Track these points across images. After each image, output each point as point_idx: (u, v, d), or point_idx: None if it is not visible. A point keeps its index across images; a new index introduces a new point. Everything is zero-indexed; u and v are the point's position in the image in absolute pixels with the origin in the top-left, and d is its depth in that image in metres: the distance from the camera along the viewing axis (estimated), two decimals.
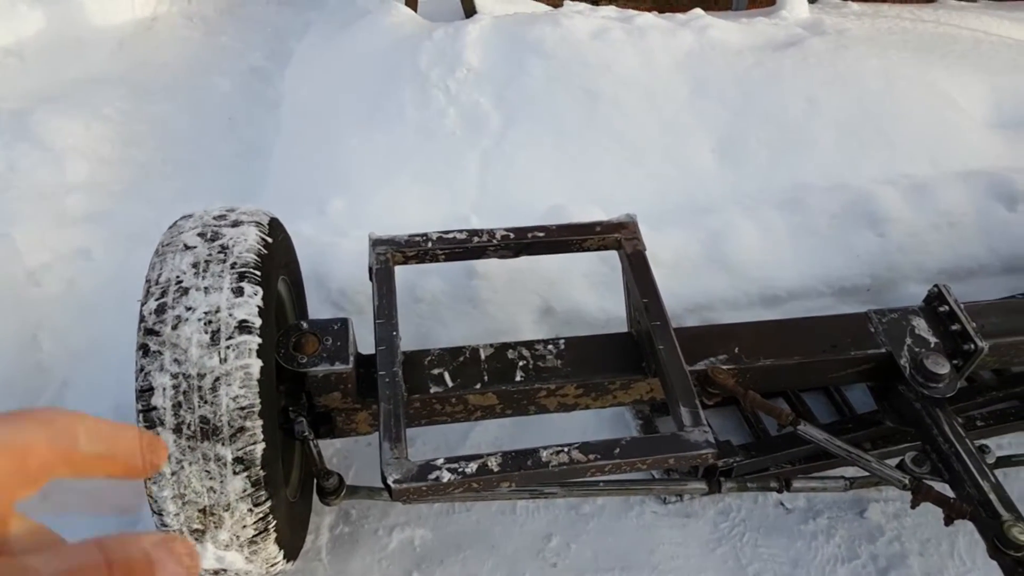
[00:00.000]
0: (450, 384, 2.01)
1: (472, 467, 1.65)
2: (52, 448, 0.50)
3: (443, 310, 2.71)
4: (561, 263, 2.72)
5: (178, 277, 1.70)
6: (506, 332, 2.69)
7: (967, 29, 4.35)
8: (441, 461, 1.65)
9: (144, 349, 1.62)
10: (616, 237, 2.19)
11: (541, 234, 2.17)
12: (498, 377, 2.02)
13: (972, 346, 2.11)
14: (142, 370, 1.61)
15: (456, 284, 2.72)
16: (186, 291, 1.67)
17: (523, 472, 1.66)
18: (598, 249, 2.23)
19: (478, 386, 2.01)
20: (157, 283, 1.70)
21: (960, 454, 2.01)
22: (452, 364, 2.04)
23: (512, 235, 2.16)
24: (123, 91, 4.12)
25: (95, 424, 0.53)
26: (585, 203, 2.91)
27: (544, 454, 1.67)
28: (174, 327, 1.63)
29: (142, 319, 1.65)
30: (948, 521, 1.95)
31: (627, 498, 2.40)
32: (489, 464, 1.66)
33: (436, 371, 2.03)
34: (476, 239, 2.15)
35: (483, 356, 2.06)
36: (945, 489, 2.01)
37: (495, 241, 2.15)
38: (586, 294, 2.78)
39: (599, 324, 2.73)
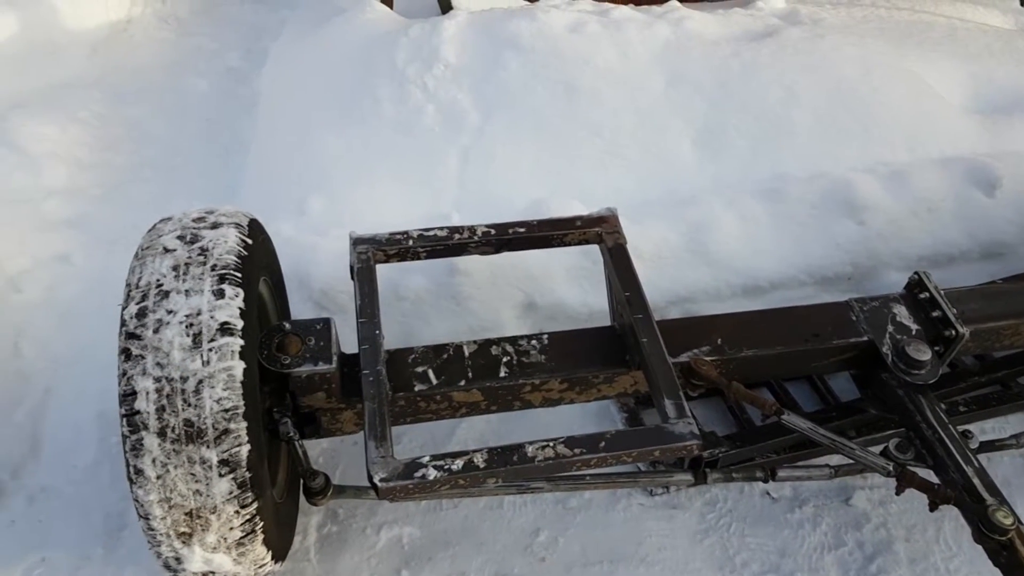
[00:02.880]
0: (434, 382, 2.01)
1: (458, 464, 1.65)
2: None
3: (426, 307, 2.70)
4: (543, 258, 2.72)
5: (158, 280, 1.69)
6: (489, 328, 2.69)
7: (943, 16, 4.38)
8: (427, 459, 1.65)
9: (126, 353, 1.61)
10: (597, 231, 2.19)
11: (522, 230, 2.17)
12: (482, 373, 2.02)
13: (953, 332, 2.13)
14: (125, 374, 1.60)
15: (438, 281, 2.71)
16: (167, 294, 1.66)
17: (509, 468, 1.66)
18: (579, 244, 2.23)
19: (462, 383, 2.01)
20: (137, 287, 1.69)
21: (943, 440, 2.03)
22: (436, 361, 2.04)
23: (493, 231, 2.16)
24: (99, 94, 4.07)
25: None
26: (565, 197, 2.91)
27: (530, 449, 1.68)
28: (156, 331, 1.62)
29: (123, 323, 1.64)
30: (933, 507, 1.97)
31: (614, 491, 2.41)
32: (475, 460, 1.66)
33: (420, 369, 2.02)
34: (457, 236, 2.15)
35: (467, 353, 2.06)
36: (929, 475, 2.02)
37: (476, 237, 2.15)
38: (568, 288, 2.78)
39: (582, 318, 2.73)
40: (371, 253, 2.10)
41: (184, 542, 1.67)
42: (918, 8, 4.57)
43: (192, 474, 1.60)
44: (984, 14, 4.58)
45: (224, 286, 1.69)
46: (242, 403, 1.62)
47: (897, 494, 2.02)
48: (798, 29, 3.67)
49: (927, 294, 2.22)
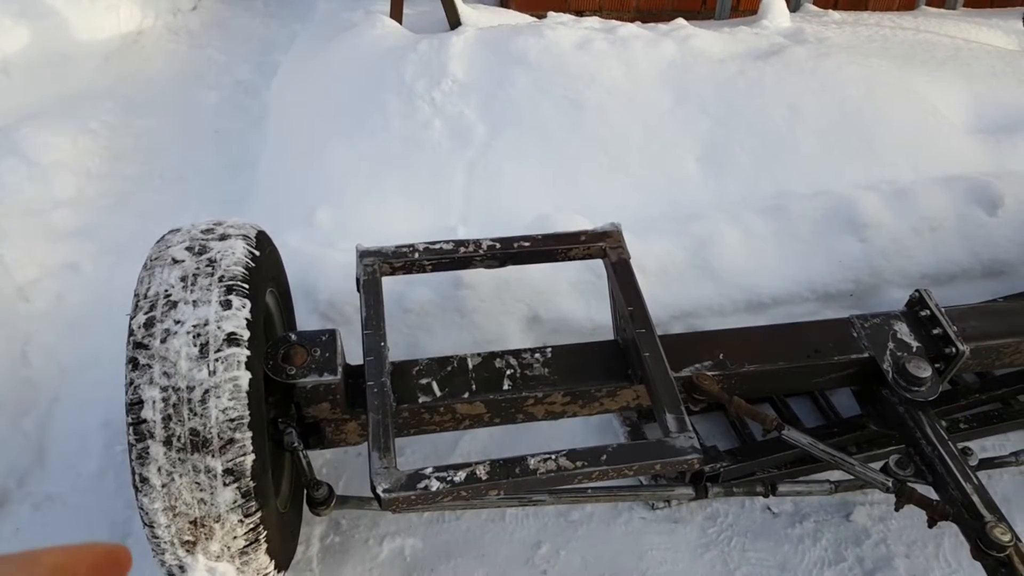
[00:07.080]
0: (438, 394, 2.02)
1: (461, 476, 1.67)
2: None
3: (431, 320, 2.72)
4: (547, 272, 2.74)
5: (166, 291, 1.71)
6: (494, 341, 2.71)
7: (947, 36, 4.41)
8: (430, 470, 1.67)
9: (134, 363, 1.63)
10: (601, 246, 2.21)
11: (527, 244, 2.19)
12: (486, 386, 2.04)
13: (954, 350, 2.14)
14: (132, 383, 1.62)
15: (444, 294, 2.73)
16: (175, 304, 1.69)
17: (511, 480, 1.67)
18: (583, 258, 2.25)
19: (466, 395, 2.02)
20: (146, 297, 1.71)
21: (943, 457, 2.04)
22: (440, 374, 2.06)
23: (498, 245, 2.18)
24: (109, 105, 4.13)
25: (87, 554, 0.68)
26: (570, 212, 2.93)
27: (532, 462, 1.69)
28: (163, 340, 1.64)
29: (131, 333, 1.66)
30: (931, 523, 1.98)
31: (615, 504, 2.42)
32: (477, 472, 1.67)
33: (424, 381, 2.04)
34: (462, 249, 2.17)
35: (471, 365, 2.08)
36: (929, 492, 2.03)
37: (481, 251, 2.17)
38: (572, 302, 2.79)
39: (586, 332, 2.75)
40: (377, 266, 2.12)
41: (188, 550, 1.69)
42: (923, 28, 4.61)
43: (197, 483, 1.62)
44: (988, 34, 4.61)
45: (231, 297, 1.72)
46: (247, 413, 1.64)
47: (896, 510, 2.03)
48: (803, 48, 3.70)
49: (928, 311, 2.24)
